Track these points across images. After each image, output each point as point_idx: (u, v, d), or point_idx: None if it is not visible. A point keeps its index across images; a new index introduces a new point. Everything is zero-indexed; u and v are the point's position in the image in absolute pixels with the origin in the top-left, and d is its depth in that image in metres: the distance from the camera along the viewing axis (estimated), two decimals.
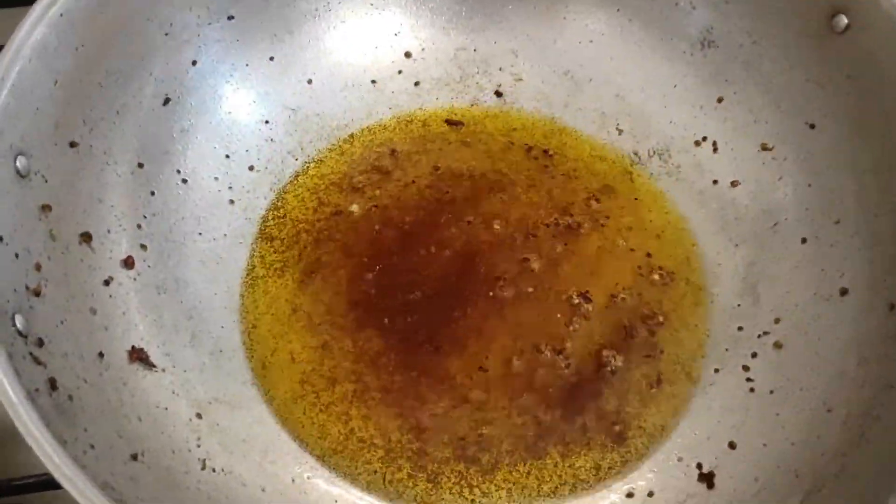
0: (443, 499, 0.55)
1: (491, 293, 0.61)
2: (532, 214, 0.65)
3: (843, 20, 0.58)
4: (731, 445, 0.56)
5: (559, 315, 0.61)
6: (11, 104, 0.51)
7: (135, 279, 0.58)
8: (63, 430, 0.44)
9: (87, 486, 0.41)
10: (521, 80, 0.72)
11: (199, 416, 0.56)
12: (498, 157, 0.68)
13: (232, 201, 0.65)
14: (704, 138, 0.67)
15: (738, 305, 0.62)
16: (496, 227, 0.64)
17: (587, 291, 0.61)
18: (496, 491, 0.56)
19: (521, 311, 0.61)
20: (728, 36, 0.66)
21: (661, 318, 0.61)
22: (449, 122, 0.70)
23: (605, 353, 0.59)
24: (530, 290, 0.61)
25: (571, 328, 0.60)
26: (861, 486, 0.48)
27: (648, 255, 0.63)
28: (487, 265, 0.63)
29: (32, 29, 0.53)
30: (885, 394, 0.50)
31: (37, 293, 0.50)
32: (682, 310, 0.62)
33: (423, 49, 0.72)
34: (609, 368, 0.58)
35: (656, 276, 0.63)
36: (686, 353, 0.60)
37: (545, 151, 0.68)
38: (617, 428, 0.57)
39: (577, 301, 0.61)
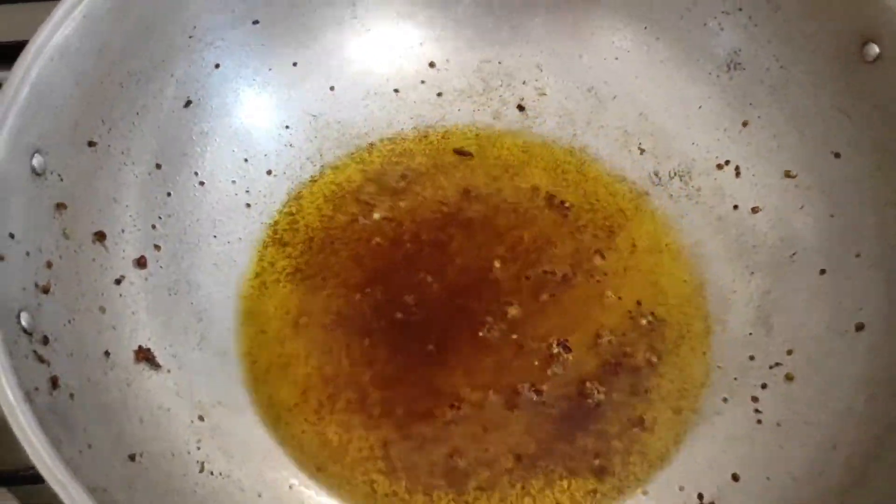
0: None
1: (479, 333, 0.61)
2: (532, 258, 0.64)
3: (875, 49, 0.57)
4: (735, 477, 0.55)
5: (536, 362, 0.60)
6: (32, 103, 0.51)
7: (146, 279, 0.59)
8: (59, 430, 0.45)
9: (78, 492, 0.41)
10: (544, 94, 0.72)
11: (201, 418, 0.56)
12: (510, 189, 0.68)
13: (248, 205, 0.66)
14: (727, 162, 0.66)
15: (751, 334, 0.61)
16: (496, 265, 0.64)
17: (566, 340, 0.61)
18: None
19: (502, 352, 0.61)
20: (755, 59, 0.65)
21: (652, 356, 0.60)
22: (457, 151, 0.69)
23: (587, 385, 0.58)
24: (514, 336, 0.61)
25: (550, 372, 0.60)
26: None
27: (639, 302, 0.62)
28: (479, 302, 0.62)
29: (56, 29, 0.53)
30: (889, 434, 0.49)
31: (46, 291, 0.51)
32: (689, 338, 0.61)
33: (447, 60, 0.72)
34: (591, 401, 0.58)
35: (644, 322, 0.62)
36: (689, 382, 0.59)
37: (559, 201, 0.67)
38: (597, 462, 0.57)
39: (556, 350, 0.60)
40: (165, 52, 0.62)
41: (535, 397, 0.58)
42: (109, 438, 0.49)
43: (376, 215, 0.66)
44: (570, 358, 0.60)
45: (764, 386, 0.58)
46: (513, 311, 0.62)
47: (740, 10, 0.65)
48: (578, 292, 0.63)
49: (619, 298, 0.62)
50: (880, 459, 0.49)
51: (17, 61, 0.52)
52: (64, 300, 0.52)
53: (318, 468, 0.57)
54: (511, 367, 0.60)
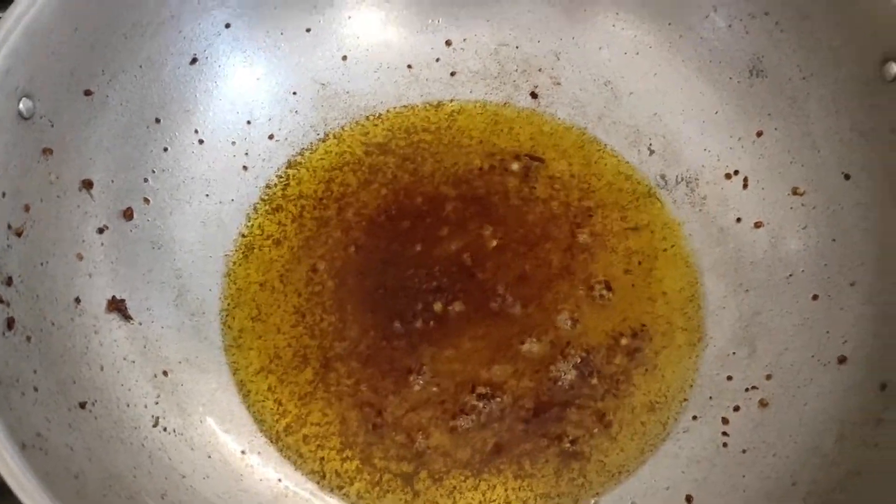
0: (384, 498, 0.55)
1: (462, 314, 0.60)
2: (522, 250, 0.63)
3: (894, 69, 0.53)
4: (688, 499, 0.53)
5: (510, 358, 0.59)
6: (23, 45, 0.52)
7: (131, 231, 0.60)
8: (2, 370, 0.46)
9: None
10: (559, 84, 0.70)
11: (164, 373, 0.57)
12: (510, 174, 0.66)
13: (245, 167, 0.66)
14: (736, 172, 0.64)
15: (734, 354, 0.58)
16: (489, 245, 0.63)
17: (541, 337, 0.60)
18: (441, 499, 0.55)
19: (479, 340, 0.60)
20: (778, 67, 0.62)
21: (630, 364, 0.58)
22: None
23: (558, 385, 0.57)
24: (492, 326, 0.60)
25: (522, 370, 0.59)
26: None
27: (628, 307, 0.61)
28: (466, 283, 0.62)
29: None
30: (850, 479, 0.47)
31: (18, 234, 0.51)
32: (671, 349, 0.59)
33: (464, 39, 0.71)
34: (559, 404, 0.57)
35: (629, 327, 0.60)
36: (663, 395, 0.57)
37: (561, 193, 0.65)
38: (556, 463, 0.56)
39: (532, 348, 0.59)
40: (176, 6, 0.62)
41: (501, 397, 0.57)
42: (60, 383, 0.50)
43: (372, 189, 0.66)
44: (545, 357, 0.59)
45: (737, 409, 0.56)
46: (493, 305, 0.60)
47: (767, 14, 0.62)
48: (564, 287, 0.61)
49: (608, 300, 0.61)
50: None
51: (13, 2, 0.52)
52: (39, 243, 0.53)
53: (274, 437, 0.57)
54: (482, 356, 0.59)
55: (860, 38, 0.56)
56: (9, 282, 0.50)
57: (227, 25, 0.65)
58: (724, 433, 0.55)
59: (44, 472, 0.42)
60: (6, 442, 0.41)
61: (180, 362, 0.58)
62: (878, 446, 0.47)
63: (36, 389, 0.48)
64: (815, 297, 0.57)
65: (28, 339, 0.49)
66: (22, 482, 0.40)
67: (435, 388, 0.58)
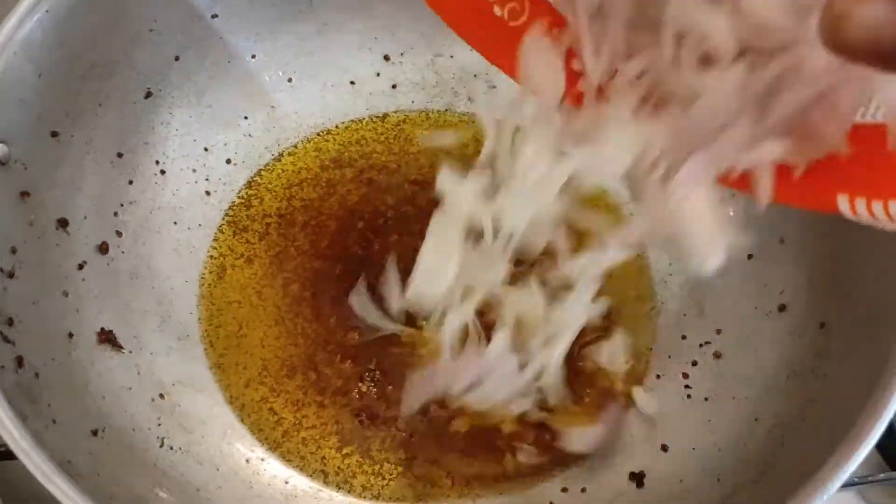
0: (388, 487, 0.59)
1: None
2: None
3: None
4: (664, 448, 0.59)
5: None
6: None
7: (108, 264, 0.61)
8: (26, 406, 0.47)
9: (43, 461, 0.44)
10: (494, 87, 0.75)
11: (161, 396, 0.59)
12: None
13: (208, 192, 0.68)
14: None
15: (685, 315, 0.64)
16: None
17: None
18: (441, 479, 0.59)
19: None
20: None
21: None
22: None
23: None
24: None
25: None
26: (775, 493, 0.51)
27: None
28: None
29: (19, 24, 0.55)
30: (808, 407, 0.53)
31: (10, 275, 0.53)
32: (628, 317, 0.64)
33: (401, 53, 0.75)
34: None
35: None
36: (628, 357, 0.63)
37: None
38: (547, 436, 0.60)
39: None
40: (127, 45, 0.64)
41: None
42: (73, 414, 0.52)
43: (332, 200, 0.69)
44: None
45: (694, 363, 0.62)
46: None
47: None
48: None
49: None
50: (798, 431, 0.52)
51: None
52: (29, 284, 0.54)
53: (273, 445, 0.60)
54: None
55: None
56: (10, 322, 0.51)
57: (177, 58, 0.67)
58: (687, 386, 0.61)
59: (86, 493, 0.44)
60: (50, 463, 0.43)
61: (174, 384, 0.60)
62: (827, 376, 0.53)
63: (54, 422, 0.49)
64: (750, 257, 0.64)
65: (36, 375, 0.51)
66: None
67: None
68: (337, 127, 0.73)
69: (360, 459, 0.60)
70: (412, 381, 0.56)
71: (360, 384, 0.62)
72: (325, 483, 0.59)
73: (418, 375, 0.56)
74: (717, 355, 0.61)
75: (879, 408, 0.45)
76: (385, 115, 0.74)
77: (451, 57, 0.75)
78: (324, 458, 0.60)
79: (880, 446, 0.51)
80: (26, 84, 0.56)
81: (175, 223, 0.66)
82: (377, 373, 0.62)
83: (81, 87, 0.61)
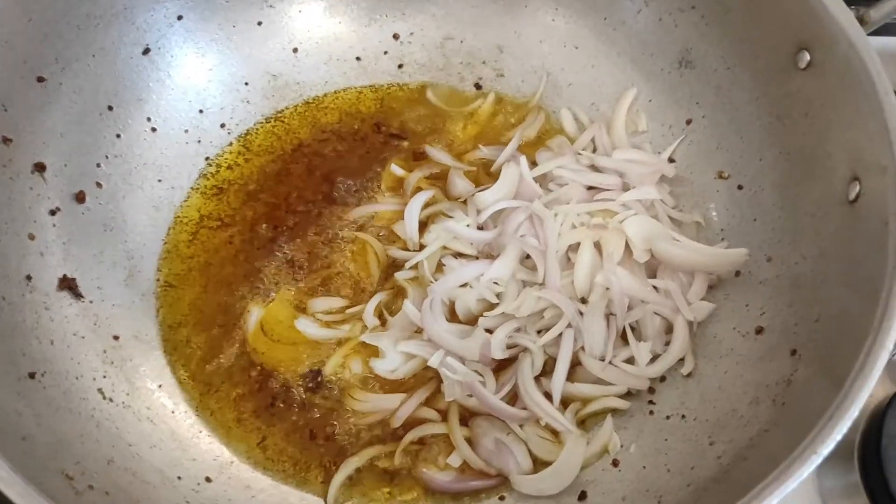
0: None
1: None
2: None
3: (806, 57, 0.56)
4: (615, 463, 0.56)
5: None
6: None
7: (83, 213, 0.62)
8: None
9: None
10: (502, 75, 0.73)
11: (114, 349, 0.59)
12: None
13: (197, 154, 0.68)
14: (671, 160, 0.67)
15: None
16: None
17: None
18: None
19: None
20: (704, 59, 0.65)
21: None
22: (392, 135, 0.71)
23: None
24: None
25: None
26: None
27: None
28: None
29: None
30: (761, 436, 0.50)
31: None
32: None
33: (411, 33, 0.74)
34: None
35: None
36: None
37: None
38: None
39: None
40: (127, 0, 0.64)
41: None
42: (12, 354, 0.52)
43: (317, 173, 0.68)
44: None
45: (663, 379, 0.59)
46: None
47: (694, 8, 0.65)
48: None
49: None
50: (745, 460, 0.49)
51: None
52: None
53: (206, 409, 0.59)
54: None
55: (777, 28, 0.59)
56: None
57: (180, 17, 0.67)
58: (651, 402, 0.58)
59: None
60: None
61: (129, 339, 0.60)
62: (785, 405, 0.50)
63: None
64: (737, 274, 0.60)
65: None
66: None
67: None
68: (336, 100, 0.72)
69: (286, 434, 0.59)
70: None
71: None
72: (253, 465, 0.58)
73: None
74: (688, 374, 0.58)
75: (817, 445, 0.42)
76: (387, 92, 0.72)
77: (462, 41, 0.73)
78: (263, 436, 0.59)
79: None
80: (14, 27, 0.57)
81: (159, 181, 0.66)
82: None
83: (76, 36, 0.61)
